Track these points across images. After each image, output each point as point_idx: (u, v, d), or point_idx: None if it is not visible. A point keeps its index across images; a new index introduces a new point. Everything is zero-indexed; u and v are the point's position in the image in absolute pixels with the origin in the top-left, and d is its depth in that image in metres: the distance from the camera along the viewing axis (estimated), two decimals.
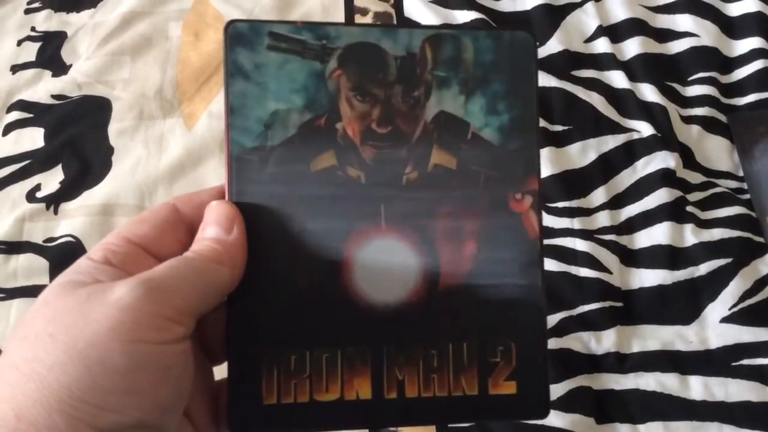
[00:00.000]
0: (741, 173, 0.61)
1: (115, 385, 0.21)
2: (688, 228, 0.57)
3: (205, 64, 0.67)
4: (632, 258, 0.57)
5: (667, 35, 0.68)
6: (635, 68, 0.65)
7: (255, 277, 0.27)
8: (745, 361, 0.53)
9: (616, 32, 0.67)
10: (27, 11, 0.72)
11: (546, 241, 0.55)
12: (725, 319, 0.54)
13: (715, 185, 0.60)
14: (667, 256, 0.56)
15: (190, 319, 0.24)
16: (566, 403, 0.51)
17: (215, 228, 0.26)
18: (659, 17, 0.69)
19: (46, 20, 0.71)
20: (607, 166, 0.61)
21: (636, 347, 0.53)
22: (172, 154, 0.62)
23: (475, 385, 0.28)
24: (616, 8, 0.69)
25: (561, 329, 0.54)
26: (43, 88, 0.67)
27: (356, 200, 0.28)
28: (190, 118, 0.65)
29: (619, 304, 0.55)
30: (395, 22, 0.69)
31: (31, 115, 0.65)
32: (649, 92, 0.63)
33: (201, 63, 0.67)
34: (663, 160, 0.60)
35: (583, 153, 0.61)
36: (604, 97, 0.63)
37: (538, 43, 0.56)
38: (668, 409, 0.51)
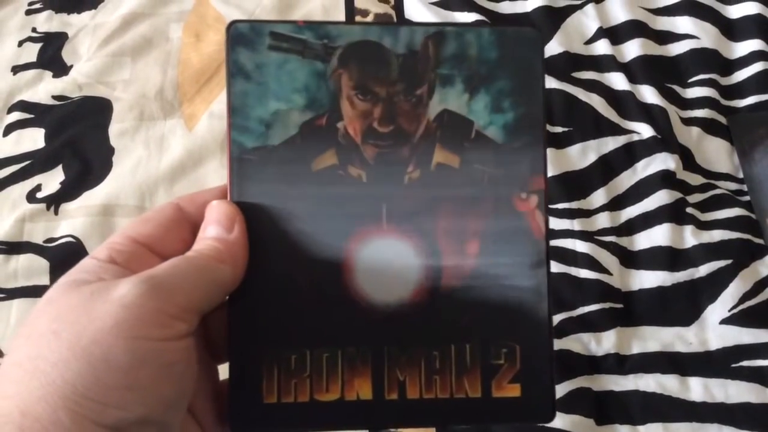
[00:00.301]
0: (741, 175, 0.61)
1: (119, 382, 0.21)
2: (688, 229, 0.57)
3: (206, 65, 0.67)
4: (632, 259, 0.57)
5: (667, 37, 0.68)
6: (635, 70, 0.65)
7: (256, 277, 0.27)
8: (745, 363, 0.53)
9: (616, 34, 0.67)
10: (28, 12, 0.72)
11: None
12: (725, 321, 0.54)
13: (715, 187, 0.60)
14: (667, 258, 0.56)
15: (192, 316, 0.24)
16: (566, 405, 0.51)
17: (216, 227, 0.26)
18: (659, 19, 0.69)
19: (47, 21, 0.71)
20: (607, 167, 0.61)
21: (636, 348, 0.53)
22: (172, 155, 0.62)
23: (477, 387, 0.27)
24: (616, 10, 0.69)
25: (561, 330, 0.54)
26: (43, 88, 0.67)
27: (357, 200, 0.27)
28: (190, 119, 0.65)
29: (619, 306, 0.55)
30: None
31: (32, 116, 0.66)
32: (649, 94, 0.63)
33: (202, 64, 0.67)
34: (663, 161, 0.60)
35: (583, 154, 0.61)
36: (604, 99, 0.64)
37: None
38: (668, 410, 0.51)
